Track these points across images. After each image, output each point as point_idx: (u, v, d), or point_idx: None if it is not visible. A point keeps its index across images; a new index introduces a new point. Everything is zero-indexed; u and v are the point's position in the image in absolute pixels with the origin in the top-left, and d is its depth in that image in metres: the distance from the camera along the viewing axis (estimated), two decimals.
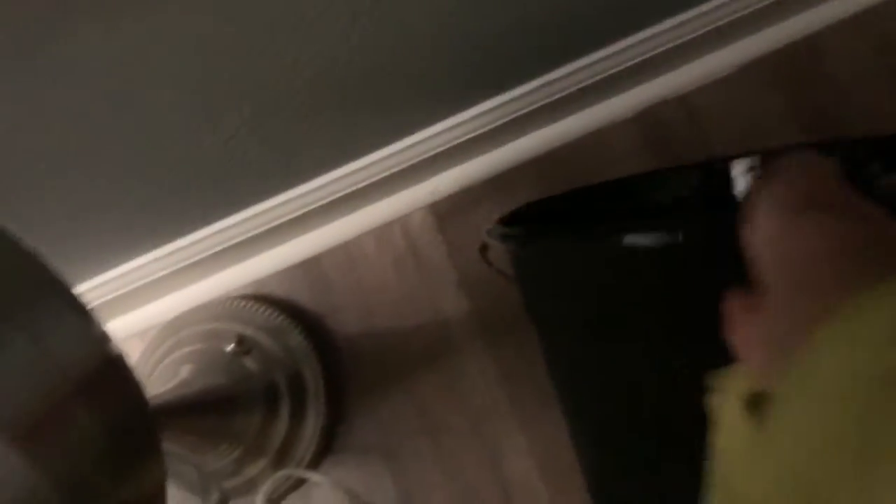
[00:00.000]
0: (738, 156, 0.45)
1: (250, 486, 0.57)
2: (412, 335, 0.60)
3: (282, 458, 0.57)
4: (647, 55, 0.56)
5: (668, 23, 0.55)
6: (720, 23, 0.56)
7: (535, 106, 0.55)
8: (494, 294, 0.58)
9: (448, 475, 0.57)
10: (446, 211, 0.61)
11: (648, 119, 0.61)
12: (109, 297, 0.59)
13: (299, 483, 0.58)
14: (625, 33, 0.56)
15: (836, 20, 0.60)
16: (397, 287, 0.61)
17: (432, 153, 0.56)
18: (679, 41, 0.56)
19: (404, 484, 0.57)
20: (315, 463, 0.57)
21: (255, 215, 0.59)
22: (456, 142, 0.55)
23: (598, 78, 0.56)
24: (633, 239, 0.33)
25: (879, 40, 0.61)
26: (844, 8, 0.59)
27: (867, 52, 0.61)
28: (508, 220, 0.45)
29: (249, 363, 0.57)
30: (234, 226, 0.58)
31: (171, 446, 0.50)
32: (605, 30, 0.53)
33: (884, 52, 0.60)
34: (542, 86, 0.54)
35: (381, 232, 0.62)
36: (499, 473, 0.56)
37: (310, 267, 0.62)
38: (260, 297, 0.61)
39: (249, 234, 0.59)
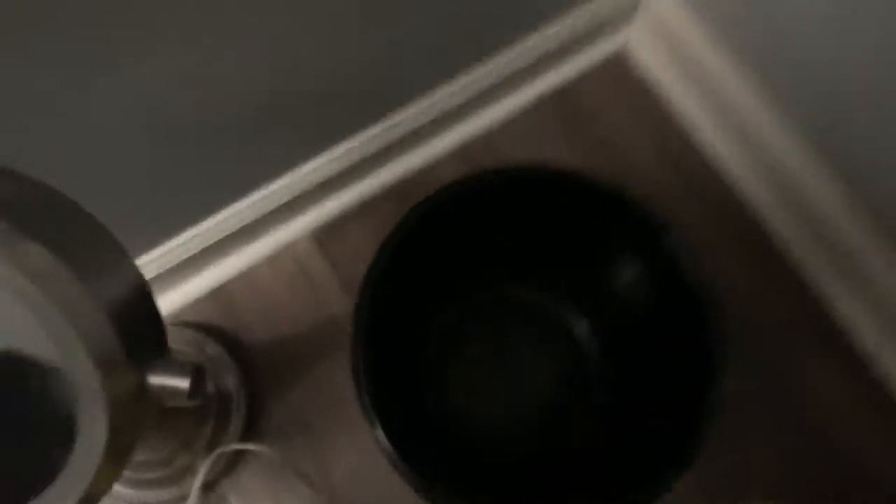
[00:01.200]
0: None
1: (183, 474, 0.68)
2: (311, 334, 0.74)
3: (212, 448, 0.69)
4: (460, 102, 0.76)
5: (477, 72, 0.75)
6: (506, 75, 0.77)
7: (385, 144, 0.74)
8: None
9: (353, 438, 0.71)
10: (326, 234, 0.77)
11: (464, 154, 0.80)
12: None
13: (229, 469, 0.70)
14: (444, 81, 0.74)
15: (591, 68, 0.83)
16: (293, 300, 0.76)
17: (311, 187, 0.72)
18: (482, 88, 0.76)
19: (320, 451, 0.71)
20: (242, 451, 0.70)
21: (162, 255, 0.71)
22: (329, 176, 0.72)
23: (425, 122, 0.75)
24: None
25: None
26: (593, 58, 0.83)
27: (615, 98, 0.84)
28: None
29: None
30: (144, 265, 0.70)
31: None
32: (422, 81, 0.72)
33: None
34: (390, 127, 0.72)
35: (274, 258, 0.77)
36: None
37: (217, 295, 0.76)
38: (177, 323, 0.74)
39: (161, 271, 0.72)
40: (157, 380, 0.38)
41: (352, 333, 0.56)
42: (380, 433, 0.52)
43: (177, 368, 0.38)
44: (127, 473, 0.67)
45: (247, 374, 0.72)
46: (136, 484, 0.68)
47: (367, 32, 0.60)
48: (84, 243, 0.37)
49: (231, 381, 0.71)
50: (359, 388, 0.53)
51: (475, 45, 0.73)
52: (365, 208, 0.78)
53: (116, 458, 0.38)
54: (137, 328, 0.38)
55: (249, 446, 0.66)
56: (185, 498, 0.66)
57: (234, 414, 0.70)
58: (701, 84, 0.79)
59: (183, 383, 0.38)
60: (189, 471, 0.68)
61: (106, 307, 0.36)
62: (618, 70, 0.84)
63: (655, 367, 0.60)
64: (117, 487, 0.67)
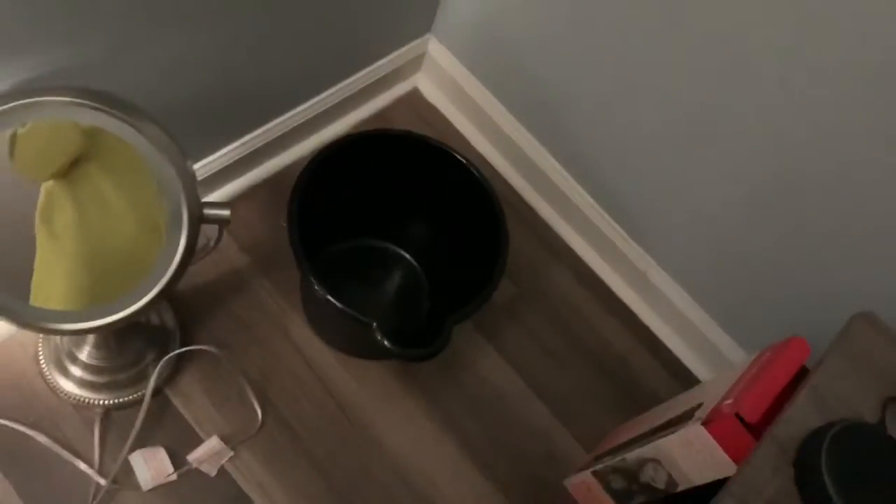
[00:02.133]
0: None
1: (135, 382, 0.91)
2: (227, 288, 1.01)
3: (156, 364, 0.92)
4: (309, 118, 1.10)
5: (312, 102, 1.09)
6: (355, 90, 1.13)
7: (262, 144, 1.05)
8: (263, 252, 1.04)
9: (259, 348, 0.98)
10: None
11: None
12: None
13: (169, 378, 0.94)
14: (293, 107, 1.08)
15: (394, 100, 1.22)
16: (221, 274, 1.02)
17: (221, 167, 1.01)
18: (321, 111, 1.11)
19: (234, 360, 0.97)
20: (178, 365, 0.94)
21: None
22: (231, 161, 1.01)
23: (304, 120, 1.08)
24: None
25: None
26: (396, 93, 1.21)
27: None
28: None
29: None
30: None
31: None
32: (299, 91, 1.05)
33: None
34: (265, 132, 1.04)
35: None
36: (291, 341, 1.00)
37: None
38: None
39: None
40: (211, 211, 0.67)
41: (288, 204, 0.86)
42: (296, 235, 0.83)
43: (222, 204, 0.67)
44: (88, 377, 0.89)
45: (178, 313, 0.97)
46: (94, 387, 0.89)
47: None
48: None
49: (169, 319, 0.96)
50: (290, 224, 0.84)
51: (315, 82, 1.07)
52: (249, 192, 1.08)
53: (188, 257, 0.66)
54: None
55: (190, 348, 0.91)
56: (139, 401, 0.88)
57: (172, 340, 0.95)
58: (468, 108, 1.20)
59: (225, 211, 0.67)
60: (140, 379, 0.91)
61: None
62: (413, 100, 1.23)
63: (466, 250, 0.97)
64: (77, 391, 0.88)
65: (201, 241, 0.70)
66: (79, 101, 0.61)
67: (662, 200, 1.04)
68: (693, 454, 0.75)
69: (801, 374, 0.72)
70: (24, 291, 0.68)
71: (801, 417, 0.65)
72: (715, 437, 0.71)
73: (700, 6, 0.84)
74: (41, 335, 0.91)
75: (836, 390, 0.67)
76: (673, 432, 0.78)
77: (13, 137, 0.62)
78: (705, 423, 0.73)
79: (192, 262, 0.70)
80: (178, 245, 0.66)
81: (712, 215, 0.98)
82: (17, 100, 0.59)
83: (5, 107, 0.59)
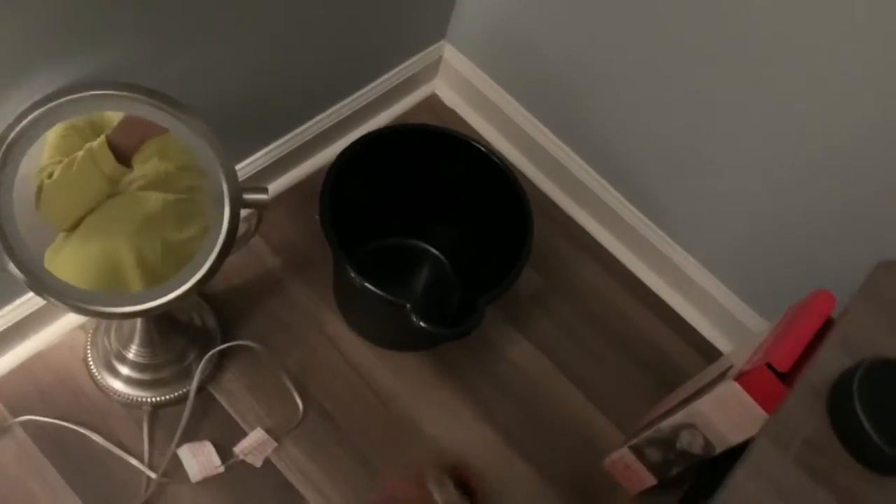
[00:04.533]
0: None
1: (179, 378, 0.94)
2: (262, 288, 1.05)
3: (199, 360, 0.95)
4: (331, 124, 1.14)
5: (336, 107, 1.14)
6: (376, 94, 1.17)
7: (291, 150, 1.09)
8: (295, 254, 1.07)
9: (297, 344, 1.01)
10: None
11: None
12: None
13: (212, 376, 0.97)
14: (320, 111, 1.12)
15: (414, 104, 1.26)
16: (236, 258, 1.06)
17: (250, 174, 1.05)
18: (343, 117, 1.15)
19: (274, 356, 1.00)
20: (220, 362, 0.97)
21: None
22: (259, 168, 1.05)
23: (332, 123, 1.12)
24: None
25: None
26: (415, 98, 1.25)
27: None
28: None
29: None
30: None
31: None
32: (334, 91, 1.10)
33: None
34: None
35: None
36: (327, 336, 1.03)
37: None
38: None
39: None
40: (250, 195, 0.70)
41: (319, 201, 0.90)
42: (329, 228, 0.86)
43: (260, 188, 0.70)
44: (135, 376, 0.92)
45: (217, 314, 1.00)
46: (142, 385, 0.92)
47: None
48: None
49: (210, 320, 0.99)
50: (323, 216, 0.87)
51: (337, 89, 1.12)
52: (277, 198, 1.12)
53: (230, 241, 0.70)
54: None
55: (232, 343, 0.94)
56: (184, 398, 0.91)
57: (213, 339, 0.98)
58: (486, 109, 1.24)
59: (264, 195, 0.71)
60: (184, 376, 0.94)
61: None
62: (432, 105, 1.27)
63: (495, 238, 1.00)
64: (126, 389, 0.91)
65: (242, 227, 0.73)
66: (123, 93, 0.65)
67: (685, 185, 1.06)
68: (728, 412, 0.77)
69: (828, 326, 0.74)
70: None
71: (831, 362, 0.67)
72: (748, 391, 0.73)
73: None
74: (89, 337, 0.94)
75: (863, 335, 0.69)
76: (706, 394, 0.80)
77: (39, 189, 0.68)
78: (737, 378, 0.74)
79: (233, 248, 0.73)
80: (220, 229, 0.69)
81: (732, 196, 1.01)
82: (72, 94, 0.64)
83: (64, 99, 0.63)
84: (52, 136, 0.67)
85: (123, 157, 0.70)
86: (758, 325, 1.07)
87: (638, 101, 1.03)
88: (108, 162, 0.69)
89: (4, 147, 0.64)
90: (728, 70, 0.91)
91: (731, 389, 0.75)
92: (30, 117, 0.63)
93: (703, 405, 0.80)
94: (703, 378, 0.91)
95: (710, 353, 1.13)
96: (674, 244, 1.13)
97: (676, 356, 1.13)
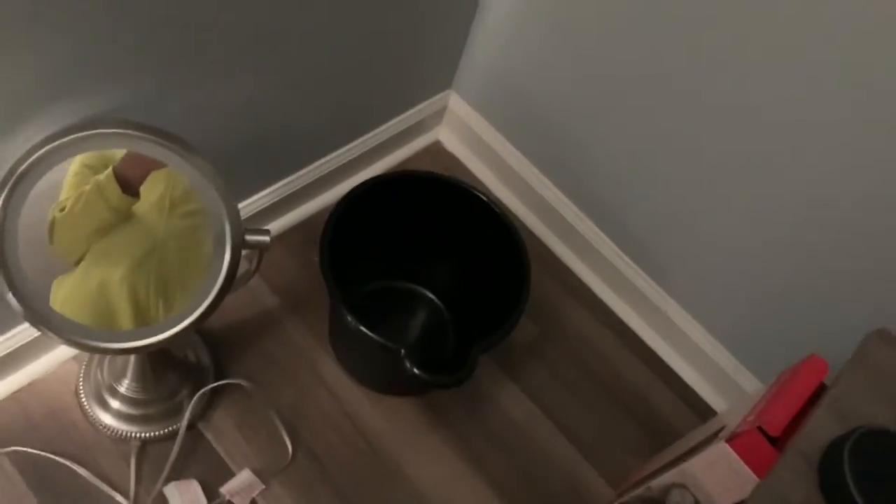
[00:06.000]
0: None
1: (170, 414, 0.94)
2: (259, 327, 1.05)
3: (191, 398, 0.95)
4: (333, 168, 1.15)
5: (340, 152, 1.15)
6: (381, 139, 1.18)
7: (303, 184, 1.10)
8: (293, 294, 1.08)
9: (289, 385, 1.01)
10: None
11: None
12: None
13: (203, 413, 0.96)
14: (322, 156, 1.13)
15: (419, 149, 1.27)
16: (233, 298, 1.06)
17: (252, 213, 1.06)
18: (347, 160, 1.16)
19: (265, 396, 0.99)
20: (211, 400, 0.97)
21: None
22: (261, 207, 1.06)
23: (331, 169, 1.13)
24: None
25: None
26: (421, 143, 1.27)
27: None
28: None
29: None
30: None
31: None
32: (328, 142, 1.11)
33: None
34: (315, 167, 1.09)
35: None
36: (320, 378, 1.03)
37: None
38: None
39: None
40: (251, 237, 0.71)
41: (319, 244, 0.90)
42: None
43: (262, 230, 0.71)
44: (125, 410, 0.91)
45: (212, 351, 1.00)
46: (132, 420, 0.92)
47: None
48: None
49: (204, 356, 0.99)
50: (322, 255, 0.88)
51: (343, 133, 1.13)
52: (279, 238, 1.12)
53: (230, 280, 0.70)
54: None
55: (224, 382, 0.94)
56: (174, 435, 0.91)
57: (206, 377, 0.98)
58: (488, 157, 1.25)
59: (265, 237, 0.71)
60: (175, 413, 0.94)
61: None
62: (435, 151, 1.28)
63: (490, 284, 1.00)
64: (115, 423, 0.91)
65: (242, 266, 0.74)
66: (130, 132, 0.66)
67: (680, 241, 1.07)
68: (718, 474, 0.76)
69: (820, 391, 0.74)
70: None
71: (822, 429, 0.67)
72: (739, 453, 0.73)
73: (718, 40, 0.89)
74: (82, 369, 0.94)
75: (854, 403, 0.69)
76: (697, 455, 0.80)
77: (52, 223, 0.69)
78: (729, 441, 0.74)
79: (233, 287, 0.74)
80: (220, 268, 0.70)
81: (730, 254, 1.02)
82: (81, 131, 0.65)
83: (72, 136, 0.65)
84: (68, 174, 0.68)
85: (130, 188, 0.71)
86: (752, 385, 1.07)
87: (637, 157, 1.05)
88: (114, 193, 0.70)
89: (13, 180, 0.65)
90: (730, 134, 0.92)
91: (721, 451, 0.75)
92: (39, 152, 0.65)
93: (694, 465, 0.80)
94: (696, 437, 0.91)
95: (702, 409, 1.13)
96: (670, 299, 1.13)
97: (668, 411, 1.13)
